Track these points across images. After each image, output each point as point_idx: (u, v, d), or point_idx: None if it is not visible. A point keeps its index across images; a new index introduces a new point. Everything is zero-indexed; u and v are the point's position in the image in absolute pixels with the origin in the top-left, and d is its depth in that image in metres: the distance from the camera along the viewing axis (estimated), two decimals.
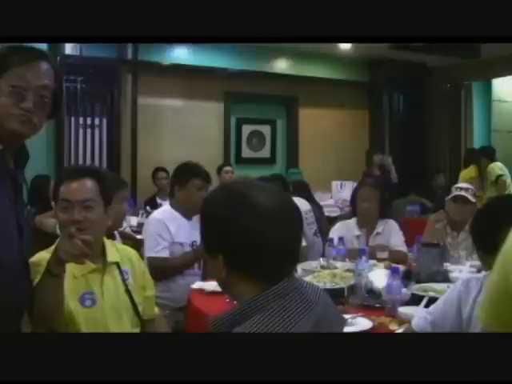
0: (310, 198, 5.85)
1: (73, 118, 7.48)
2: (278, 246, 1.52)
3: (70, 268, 2.55)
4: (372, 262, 3.65)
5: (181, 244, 3.94)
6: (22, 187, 2.15)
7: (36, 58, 2.08)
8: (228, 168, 7.69)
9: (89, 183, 2.57)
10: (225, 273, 1.53)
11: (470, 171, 8.22)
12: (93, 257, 2.59)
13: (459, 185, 4.76)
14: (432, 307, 2.51)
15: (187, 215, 3.99)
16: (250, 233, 1.50)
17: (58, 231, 4.70)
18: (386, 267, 3.49)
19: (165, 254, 3.87)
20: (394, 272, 3.05)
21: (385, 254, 4.07)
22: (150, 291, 2.82)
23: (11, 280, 1.99)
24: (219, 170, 7.63)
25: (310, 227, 5.28)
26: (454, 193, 4.40)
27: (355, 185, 5.44)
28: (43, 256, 2.55)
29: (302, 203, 5.55)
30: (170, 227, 3.93)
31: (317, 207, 5.93)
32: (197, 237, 3.77)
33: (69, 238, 2.26)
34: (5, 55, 2.06)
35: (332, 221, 5.80)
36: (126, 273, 2.70)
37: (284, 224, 1.55)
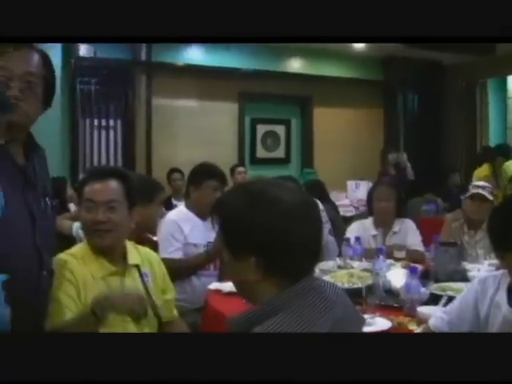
0: (324, 198, 5.83)
1: (87, 120, 7.49)
2: (302, 244, 1.52)
3: (90, 270, 2.55)
4: (389, 261, 3.63)
5: (195, 245, 3.92)
6: (33, 179, 2.14)
7: (17, 46, 2.10)
8: (241, 169, 7.68)
9: (113, 184, 2.57)
10: (256, 274, 1.52)
11: (484, 169, 8.14)
12: (114, 259, 2.59)
13: (476, 183, 4.72)
14: (449, 307, 2.49)
15: (202, 216, 3.97)
16: (278, 232, 1.48)
17: (74, 233, 4.73)
18: (403, 267, 3.47)
19: (178, 255, 3.85)
20: (412, 271, 3.03)
21: (402, 254, 4.05)
22: (170, 294, 2.80)
23: (24, 263, 2.02)
24: (232, 170, 7.63)
25: (325, 227, 5.26)
26: (472, 191, 4.36)
27: (370, 184, 5.43)
28: (62, 258, 2.56)
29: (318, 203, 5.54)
30: (183, 228, 3.92)
31: (332, 207, 5.91)
32: (211, 238, 3.75)
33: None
34: None
35: (347, 220, 5.79)
36: (146, 275, 2.68)
37: (306, 222, 1.55)
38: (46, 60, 2.18)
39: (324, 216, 5.32)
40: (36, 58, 2.13)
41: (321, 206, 5.31)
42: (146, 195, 3.30)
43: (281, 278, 1.52)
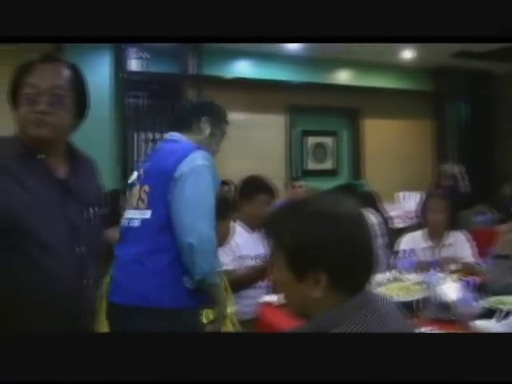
0: (377, 210, 5.79)
1: (138, 133, 7.57)
2: (360, 258, 1.51)
3: None
4: (443, 274, 3.58)
5: (244, 257, 3.93)
6: (74, 190, 2.19)
7: (40, 62, 2.15)
8: (300, 183, 7.55)
9: None
10: (320, 291, 1.51)
11: None
12: None
13: None
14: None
15: (252, 229, 3.99)
16: (339, 248, 1.48)
17: None
18: (457, 279, 3.41)
19: (230, 267, 3.86)
20: (466, 284, 2.99)
21: (456, 266, 3.99)
22: (233, 307, 2.82)
23: (62, 271, 2.07)
24: (289, 183, 7.61)
25: (380, 240, 5.23)
26: None
27: (421, 196, 5.37)
28: None
29: (371, 215, 5.51)
30: (235, 240, 3.93)
31: (383, 220, 5.87)
32: (259, 250, 3.76)
33: None
34: (15, 73, 2.15)
35: (397, 232, 5.73)
36: None
37: (363, 236, 1.54)
38: (75, 73, 2.22)
39: (378, 229, 5.31)
40: (64, 71, 2.18)
41: (374, 220, 5.32)
42: (223, 211, 3.34)
43: (339, 293, 1.52)
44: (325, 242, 1.49)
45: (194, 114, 2.78)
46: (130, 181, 2.80)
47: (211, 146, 2.69)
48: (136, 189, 2.69)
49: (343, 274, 1.50)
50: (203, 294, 2.47)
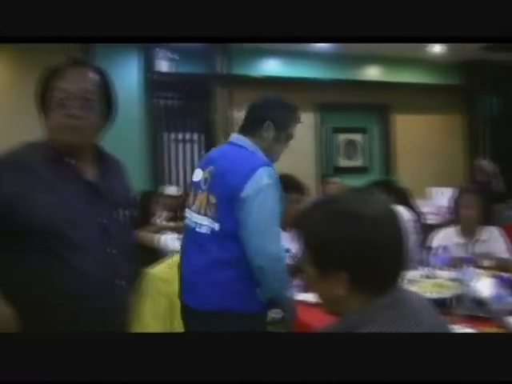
0: (410, 207, 5.75)
1: (168, 134, 7.62)
2: (388, 256, 1.51)
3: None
4: (477, 270, 3.55)
5: None
6: (104, 192, 2.22)
7: (69, 66, 2.17)
8: (335, 179, 7.62)
9: None
10: (344, 289, 1.52)
11: None
12: None
13: None
14: None
15: (283, 228, 3.98)
16: (364, 246, 1.48)
17: (162, 245, 4.83)
18: (491, 276, 3.39)
19: None
20: (500, 280, 2.96)
21: (490, 262, 3.95)
22: None
23: (94, 271, 2.10)
24: (323, 179, 7.69)
25: (414, 237, 5.19)
26: None
27: (454, 191, 5.32)
28: (160, 269, 2.67)
29: (406, 212, 5.47)
30: None
31: (417, 216, 5.82)
32: (292, 249, 3.76)
33: None
34: (44, 77, 2.17)
35: (430, 229, 5.68)
36: None
37: (392, 234, 1.54)
38: (103, 76, 2.25)
39: (413, 226, 5.27)
40: (91, 74, 2.20)
41: (409, 216, 5.29)
42: None
43: (368, 291, 1.52)
44: (346, 241, 1.49)
45: (257, 118, 2.76)
46: (194, 179, 2.80)
47: (275, 150, 2.67)
48: (202, 194, 2.68)
49: (366, 273, 1.50)
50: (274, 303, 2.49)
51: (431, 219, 7.03)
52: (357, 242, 1.49)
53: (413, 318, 1.50)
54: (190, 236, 2.67)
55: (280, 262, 2.37)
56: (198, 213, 2.65)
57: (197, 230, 2.64)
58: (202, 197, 2.67)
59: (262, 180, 2.47)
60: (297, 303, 3.35)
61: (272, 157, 2.73)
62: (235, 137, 2.76)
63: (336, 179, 7.61)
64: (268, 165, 2.57)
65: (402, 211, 5.41)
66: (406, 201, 5.74)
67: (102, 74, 2.26)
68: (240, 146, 2.71)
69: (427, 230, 5.62)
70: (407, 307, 1.52)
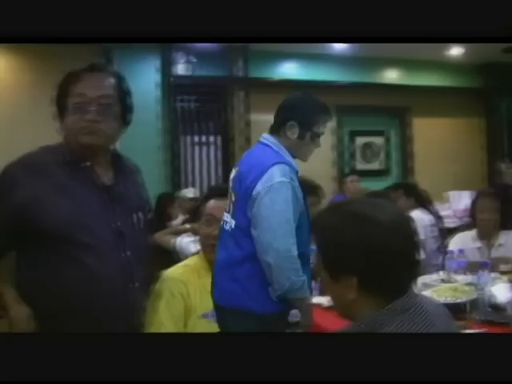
0: (430, 210, 5.73)
1: (187, 137, 7.64)
2: (398, 262, 1.51)
3: (204, 282, 2.65)
4: (494, 275, 3.52)
5: None
6: (120, 196, 2.24)
7: (87, 71, 2.20)
8: (353, 177, 7.69)
9: None
10: (354, 294, 1.52)
11: None
12: None
13: None
14: None
15: None
16: (374, 252, 1.48)
17: (178, 247, 4.83)
18: (508, 280, 3.36)
19: None
20: None
21: (506, 267, 3.91)
22: None
23: (111, 275, 2.13)
24: (343, 178, 7.78)
25: (432, 241, 5.17)
26: None
27: (473, 194, 5.29)
28: (177, 271, 2.68)
29: (425, 216, 5.44)
30: None
31: (436, 219, 5.80)
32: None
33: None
34: (63, 82, 2.19)
35: (450, 232, 5.66)
36: None
37: (402, 240, 1.54)
38: (120, 81, 2.28)
39: (435, 230, 5.25)
40: (110, 80, 2.24)
41: (432, 220, 5.27)
42: None
43: (379, 296, 1.52)
44: (356, 245, 1.50)
45: (282, 117, 2.78)
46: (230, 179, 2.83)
47: (300, 149, 2.67)
48: (230, 193, 2.73)
49: (376, 278, 1.50)
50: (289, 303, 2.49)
51: (449, 223, 7.00)
52: (366, 246, 1.49)
53: (425, 323, 1.50)
54: (220, 233, 2.71)
55: (289, 260, 2.37)
56: (228, 211, 2.69)
57: (224, 227, 2.67)
58: (230, 195, 2.71)
59: (274, 178, 2.48)
60: (313, 306, 3.36)
61: (298, 156, 2.72)
62: (264, 136, 2.79)
63: (354, 176, 7.63)
64: (284, 162, 2.57)
65: (422, 215, 5.39)
66: (425, 204, 5.72)
67: (120, 78, 2.29)
68: (266, 145, 2.73)
69: (445, 233, 5.60)
70: (420, 312, 1.52)
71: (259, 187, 2.48)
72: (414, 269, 1.58)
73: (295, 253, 2.31)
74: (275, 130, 2.78)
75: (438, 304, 1.65)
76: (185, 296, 2.63)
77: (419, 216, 5.40)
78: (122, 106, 2.27)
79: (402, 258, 1.53)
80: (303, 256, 2.41)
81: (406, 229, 1.58)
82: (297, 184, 2.50)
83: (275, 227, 2.35)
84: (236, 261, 2.54)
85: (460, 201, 7.58)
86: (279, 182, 2.44)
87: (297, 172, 2.62)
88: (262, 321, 2.46)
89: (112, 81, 2.25)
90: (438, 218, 5.94)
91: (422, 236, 5.17)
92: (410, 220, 1.62)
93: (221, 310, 2.58)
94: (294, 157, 2.71)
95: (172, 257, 4.75)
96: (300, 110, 2.75)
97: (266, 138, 2.77)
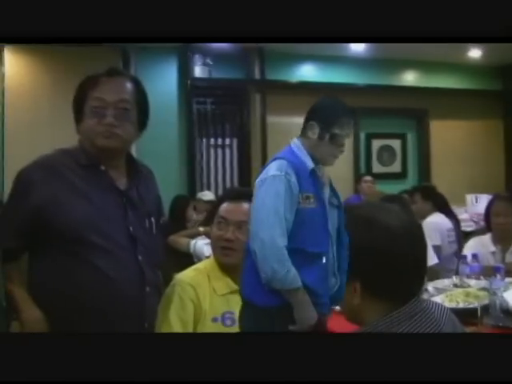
0: (450, 213, 5.69)
1: (204, 139, 7.66)
2: (406, 267, 1.51)
3: (214, 286, 2.66)
4: (508, 280, 3.49)
5: None
6: (135, 201, 2.25)
7: (106, 76, 2.21)
8: (367, 178, 7.70)
9: (245, 206, 2.67)
10: (359, 299, 1.52)
11: None
12: (238, 277, 2.68)
13: None
14: None
15: None
16: (382, 257, 1.49)
17: (192, 250, 4.85)
18: None
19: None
20: None
21: None
22: None
23: (125, 279, 2.15)
24: (358, 179, 7.81)
25: (449, 245, 5.14)
26: None
27: (491, 198, 5.25)
28: (187, 275, 2.69)
29: (443, 220, 5.40)
30: None
31: (456, 223, 5.76)
32: None
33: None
34: (81, 85, 2.21)
35: (466, 236, 5.62)
36: None
37: (411, 245, 1.54)
38: (138, 86, 2.29)
39: (453, 235, 5.22)
40: (128, 84, 2.25)
41: (450, 225, 5.23)
42: None
43: (386, 301, 1.52)
44: (364, 249, 1.50)
45: (305, 119, 2.78)
46: None
47: (321, 150, 2.66)
48: None
49: (382, 283, 1.50)
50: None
51: (466, 226, 6.96)
52: (374, 250, 1.49)
53: (432, 329, 1.50)
54: None
55: (272, 250, 2.37)
56: None
57: None
58: None
59: (269, 172, 2.49)
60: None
61: (320, 158, 2.71)
62: (293, 139, 2.81)
63: (369, 177, 7.63)
64: (283, 158, 2.59)
65: (440, 219, 5.36)
66: (443, 208, 5.68)
67: (137, 83, 2.31)
68: (290, 145, 2.75)
69: (463, 237, 5.57)
70: (426, 318, 1.52)
71: (257, 181, 2.52)
72: (421, 274, 1.58)
73: (281, 244, 2.32)
74: (301, 132, 2.79)
75: (446, 309, 1.64)
76: (194, 301, 2.64)
77: (436, 220, 5.37)
78: (139, 110, 2.29)
79: (409, 263, 1.53)
80: (303, 253, 2.41)
81: (415, 234, 1.58)
82: (293, 179, 2.51)
83: (263, 217, 2.38)
84: (247, 253, 2.57)
85: (477, 204, 7.53)
86: (272, 175, 2.46)
87: (306, 169, 2.61)
88: (264, 313, 2.48)
89: (130, 85, 2.27)
90: (457, 222, 5.90)
91: (438, 241, 5.15)
92: (418, 225, 1.63)
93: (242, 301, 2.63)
94: (315, 160, 2.70)
95: (190, 259, 4.77)
96: (321, 110, 2.74)
97: (293, 139, 2.78)
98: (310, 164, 2.59)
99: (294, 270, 2.42)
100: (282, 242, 2.43)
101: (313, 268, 2.48)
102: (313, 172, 2.55)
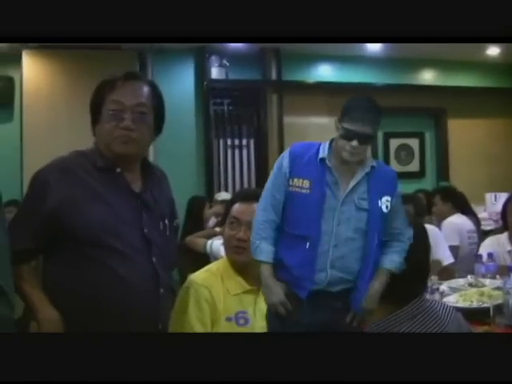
0: (470, 213, 5.64)
1: (221, 140, 7.68)
2: (411, 270, 1.52)
3: (227, 286, 2.68)
4: None
5: None
6: (149, 203, 2.27)
7: (123, 79, 2.23)
8: None
9: (256, 207, 2.70)
10: None
11: None
12: (250, 277, 2.69)
13: None
14: None
15: None
16: None
17: (208, 250, 4.87)
18: None
19: None
20: None
21: None
22: None
23: (140, 281, 2.16)
24: None
25: (470, 247, 5.11)
26: None
27: (507, 197, 5.22)
28: (200, 277, 2.71)
29: (463, 221, 5.36)
30: None
31: (477, 223, 5.71)
32: None
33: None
34: (98, 88, 2.23)
35: (485, 234, 5.58)
36: None
37: (416, 247, 1.55)
38: (155, 90, 2.31)
39: (474, 237, 5.18)
40: (145, 89, 2.27)
41: (472, 227, 5.18)
42: None
43: (391, 302, 1.53)
44: None
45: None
46: None
47: (337, 145, 2.67)
48: None
49: (388, 285, 1.51)
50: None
51: (485, 225, 6.91)
52: None
53: (435, 328, 1.51)
54: None
55: (254, 223, 2.43)
56: None
57: None
58: None
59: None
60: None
61: (337, 153, 2.70)
62: None
63: None
64: (293, 145, 2.63)
65: (459, 220, 5.32)
66: (464, 209, 5.63)
67: (154, 87, 2.33)
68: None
69: (481, 236, 5.53)
70: (430, 317, 1.53)
71: None
72: (423, 275, 1.59)
73: (260, 218, 2.37)
74: None
75: (451, 309, 1.65)
76: (209, 301, 2.66)
77: (456, 221, 5.34)
78: (156, 115, 2.30)
79: (411, 265, 1.54)
80: (286, 234, 2.42)
81: (417, 236, 1.59)
82: (285, 163, 2.53)
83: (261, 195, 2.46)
84: None
85: (496, 203, 7.47)
86: (276, 164, 2.52)
87: (314, 158, 2.61)
88: None
89: (147, 90, 2.29)
90: (478, 223, 5.85)
91: (456, 241, 5.13)
92: (422, 227, 1.64)
93: None
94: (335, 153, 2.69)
95: (207, 259, 4.80)
96: (344, 107, 2.76)
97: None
98: (322, 155, 2.60)
99: (265, 244, 2.44)
100: (262, 216, 2.48)
101: (296, 250, 2.49)
102: (322, 161, 2.56)
